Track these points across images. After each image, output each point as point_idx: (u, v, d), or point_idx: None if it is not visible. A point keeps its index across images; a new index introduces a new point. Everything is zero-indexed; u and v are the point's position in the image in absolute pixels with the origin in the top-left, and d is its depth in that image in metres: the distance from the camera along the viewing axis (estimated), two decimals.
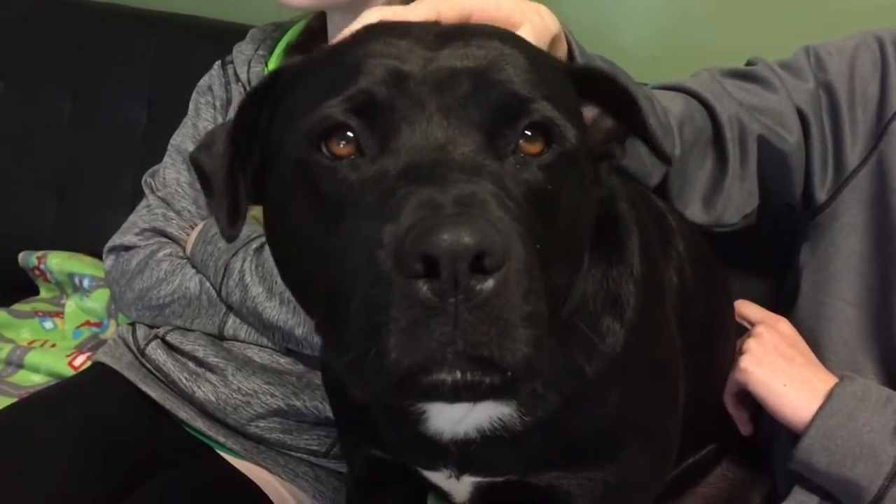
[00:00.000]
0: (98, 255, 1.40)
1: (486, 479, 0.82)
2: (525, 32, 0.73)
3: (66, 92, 1.80)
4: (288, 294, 1.09)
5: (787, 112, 1.09)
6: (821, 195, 1.09)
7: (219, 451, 1.18)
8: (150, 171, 1.33)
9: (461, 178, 0.55)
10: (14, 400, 1.26)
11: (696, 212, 1.08)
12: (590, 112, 0.72)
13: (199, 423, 1.17)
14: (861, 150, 1.06)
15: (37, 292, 1.72)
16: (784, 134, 1.08)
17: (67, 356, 1.47)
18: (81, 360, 1.45)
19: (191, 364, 1.19)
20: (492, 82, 0.60)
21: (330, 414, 1.10)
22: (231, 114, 1.25)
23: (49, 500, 1.04)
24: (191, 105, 1.33)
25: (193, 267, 1.21)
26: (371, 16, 0.72)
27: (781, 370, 1.01)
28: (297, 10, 1.24)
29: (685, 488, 1.10)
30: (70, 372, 1.42)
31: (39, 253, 1.68)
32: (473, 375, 0.53)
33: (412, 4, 0.71)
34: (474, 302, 0.50)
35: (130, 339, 1.24)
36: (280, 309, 1.13)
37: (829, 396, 0.97)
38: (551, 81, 0.64)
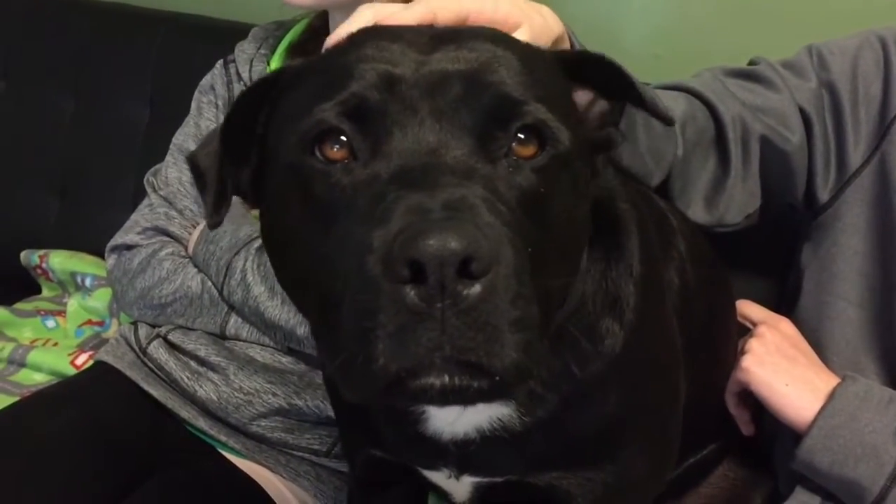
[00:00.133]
0: (100, 253, 1.40)
1: (485, 480, 0.82)
2: (522, 33, 0.73)
3: (68, 91, 1.80)
4: None
5: (790, 112, 1.09)
6: (823, 195, 1.09)
7: (220, 451, 1.18)
8: (153, 170, 1.33)
9: (452, 182, 0.55)
10: (16, 399, 1.26)
11: (698, 212, 1.08)
12: (584, 97, 0.71)
13: (201, 423, 1.17)
14: (864, 150, 1.06)
15: (39, 291, 1.72)
16: (787, 134, 1.08)
17: (69, 355, 1.47)
18: (83, 359, 1.45)
19: (192, 363, 1.19)
20: (484, 85, 0.60)
21: (331, 413, 1.10)
22: None
23: (51, 499, 1.04)
24: (193, 104, 1.32)
25: (195, 266, 1.21)
26: (365, 15, 0.72)
27: (783, 370, 1.01)
28: (299, 9, 1.24)
29: (686, 488, 1.09)
30: (72, 371, 1.42)
31: (41, 252, 1.68)
32: (461, 380, 0.53)
33: (409, 6, 0.71)
34: (461, 307, 0.51)
35: (132, 338, 1.24)
36: (282, 308, 1.13)
37: (832, 396, 0.97)
38: (545, 83, 0.64)
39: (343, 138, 0.59)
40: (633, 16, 1.62)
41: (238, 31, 1.38)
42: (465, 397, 0.54)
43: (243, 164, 0.69)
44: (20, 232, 1.77)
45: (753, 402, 1.07)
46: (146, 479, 1.10)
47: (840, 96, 1.07)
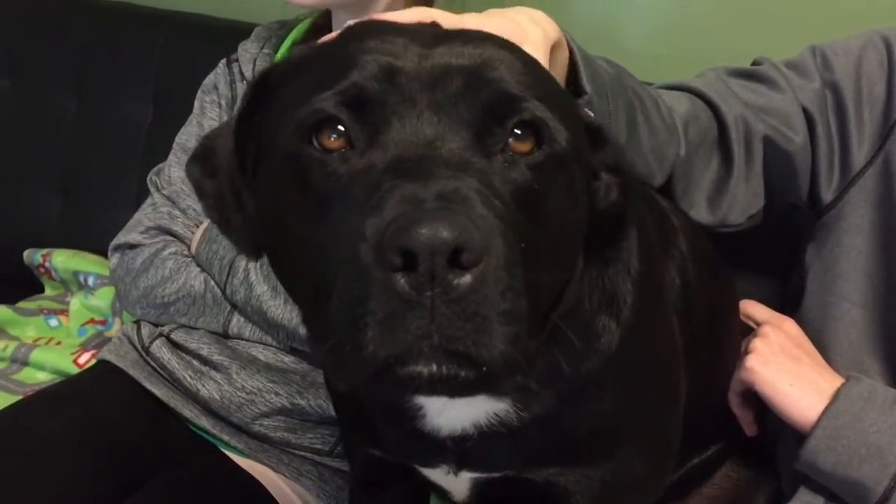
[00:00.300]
0: (103, 252, 1.40)
1: (483, 475, 0.82)
2: (528, 50, 0.73)
3: (71, 90, 1.80)
4: None
5: (793, 112, 1.09)
6: (827, 195, 1.09)
7: (223, 450, 1.18)
8: (156, 169, 1.33)
9: (446, 174, 0.55)
10: (19, 397, 1.26)
11: (701, 212, 1.08)
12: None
13: (204, 422, 1.17)
14: (868, 151, 1.06)
15: (42, 290, 1.72)
16: (790, 134, 1.08)
17: (72, 354, 1.47)
18: (86, 358, 1.45)
19: (195, 362, 1.19)
20: (484, 80, 0.60)
21: (333, 413, 1.10)
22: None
23: (53, 498, 1.04)
24: (196, 103, 1.33)
25: (198, 265, 1.21)
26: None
27: (787, 370, 1.01)
28: (302, 9, 1.24)
29: (690, 489, 1.09)
30: (75, 370, 1.42)
31: (44, 251, 1.68)
32: (449, 369, 0.53)
33: (410, 17, 0.71)
34: (451, 296, 0.51)
35: (135, 337, 1.24)
36: (285, 307, 1.13)
37: (836, 397, 0.96)
38: (546, 84, 0.65)
39: (340, 128, 0.60)
40: (635, 16, 1.62)
41: (241, 31, 1.38)
42: (452, 386, 0.54)
43: (244, 157, 0.69)
44: (23, 231, 1.78)
45: (757, 403, 1.07)
46: (149, 479, 1.10)
47: (844, 96, 1.07)
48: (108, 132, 1.77)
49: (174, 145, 1.32)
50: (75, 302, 1.62)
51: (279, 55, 1.29)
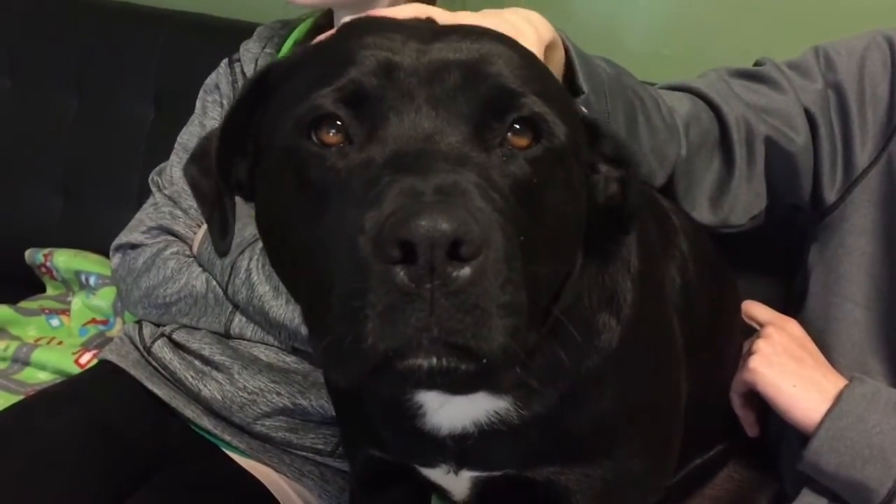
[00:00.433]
0: (104, 252, 1.40)
1: (484, 474, 0.82)
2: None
3: (72, 90, 1.80)
4: None
5: (795, 113, 1.08)
6: (830, 196, 1.09)
7: (224, 450, 1.18)
8: (157, 169, 1.33)
9: (445, 167, 0.55)
10: (20, 397, 1.26)
11: (703, 212, 1.08)
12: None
13: (205, 422, 1.17)
14: (871, 151, 1.06)
15: (43, 290, 1.72)
16: (791, 135, 1.08)
17: (73, 354, 1.47)
18: (87, 358, 1.45)
19: (197, 362, 1.19)
20: (482, 75, 0.61)
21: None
22: None
23: (54, 498, 1.04)
24: (198, 103, 1.32)
25: (200, 265, 1.21)
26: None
27: (791, 371, 1.01)
28: (304, 8, 1.24)
29: (692, 490, 1.09)
30: (76, 369, 1.42)
31: (46, 250, 1.68)
32: (449, 362, 0.53)
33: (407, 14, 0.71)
34: (450, 289, 0.51)
35: (137, 338, 1.24)
36: (286, 307, 1.13)
37: (839, 398, 0.96)
38: (544, 79, 0.65)
39: (339, 123, 0.60)
40: (637, 16, 1.62)
41: (242, 30, 1.38)
42: (452, 380, 0.54)
43: (240, 159, 0.69)
44: (24, 230, 1.78)
45: (759, 404, 1.07)
46: (150, 479, 1.10)
47: (847, 97, 1.07)
48: (110, 132, 1.77)
49: (176, 145, 1.32)
50: (77, 302, 1.62)
51: (281, 55, 1.28)
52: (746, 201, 1.10)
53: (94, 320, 1.60)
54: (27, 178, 1.81)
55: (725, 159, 1.09)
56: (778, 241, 1.25)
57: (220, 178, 0.69)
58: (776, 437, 1.12)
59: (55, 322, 1.60)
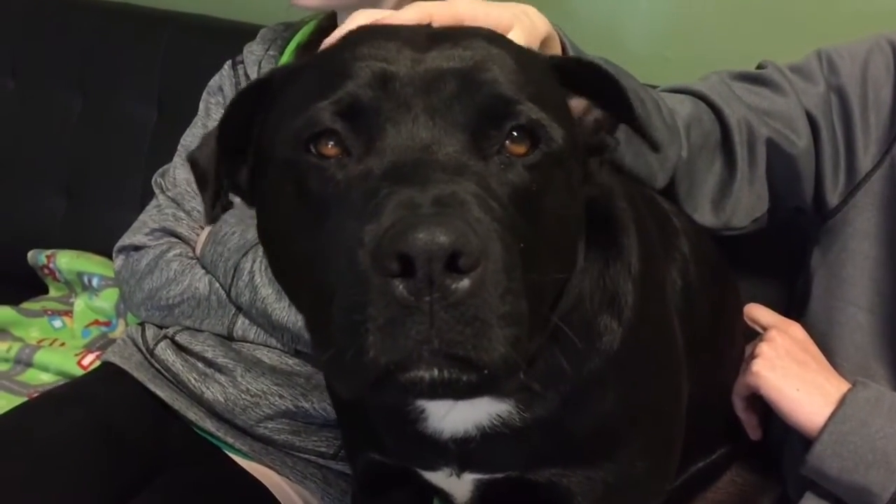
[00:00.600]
0: (107, 254, 1.40)
1: (486, 477, 0.82)
2: (515, 35, 0.73)
3: (75, 91, 1.80)
4: None
5: (797, 116, 1.08)
6: (832, 199, 1.09)
7: (227, 452, 1.18)
8: (161, 170, 1.33)
9: (443, 178, 0.55)
10: (23, 399, 1.27)
11: (704, 215, 1.08)
12: (578, 103, 0.71)
13: (208, 424, 1.17)
14: (874, 154, 1.06)
15: (46, 291, 1.72)
16: (793, 138, 1.08)
17: (76, 355, 1.47)
18: (90, 360, 1.45)
19: (200, 365, 1.19)
20: (478, 83, 0.61)
21: None
22: None
23: (57, 499, 1.04)
24: (201, 105, 1.33)
25: (203, 267, 1.21)
26: (361, 17, 0.72)
27: (794, 374, 1.00)
28: (307, 10, 1.24)
29: (694, 493, 1.09)
30: (79, 371, 1.42)
31: (48, 252, 1.68)
32: (450, 373, 0.53)
33: (403, 9, 0.72)
34: (450, 301, 0.51)
35: (139, 339, 1.24)
36: (289, 310, 1.13)
37: (842, 402, 0.96)
38: (538, 81, 0.65)
39: (337, 136, 0.60)
40: (639, 18, 1.62)
41: (246, 32, 1.39)
42: (454, 391, 0.54)
43: (241, 164, 0.70)
44: (27, 232, 1.78)
45: (761, 407, 1.07)
46: (152, 481, 1.10)
47: (849, 100, 1.07)
48: (113, 133, 1.77)
49: (179, 147, 1.32)
50: (79, 303, 1.62)
51: (284, 57, 1.28)
52: (748, 204, 1.10)
53: (96, 322, 1.60)
54: (30, 179, 1.81)
55: (727, 161, 1.09)
56: (780, 244, 1.25)
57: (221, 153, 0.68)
58: (779, 440, 1.12)
59: (58, 323, 1.61)
